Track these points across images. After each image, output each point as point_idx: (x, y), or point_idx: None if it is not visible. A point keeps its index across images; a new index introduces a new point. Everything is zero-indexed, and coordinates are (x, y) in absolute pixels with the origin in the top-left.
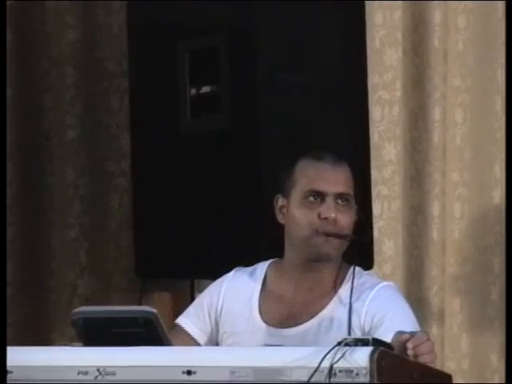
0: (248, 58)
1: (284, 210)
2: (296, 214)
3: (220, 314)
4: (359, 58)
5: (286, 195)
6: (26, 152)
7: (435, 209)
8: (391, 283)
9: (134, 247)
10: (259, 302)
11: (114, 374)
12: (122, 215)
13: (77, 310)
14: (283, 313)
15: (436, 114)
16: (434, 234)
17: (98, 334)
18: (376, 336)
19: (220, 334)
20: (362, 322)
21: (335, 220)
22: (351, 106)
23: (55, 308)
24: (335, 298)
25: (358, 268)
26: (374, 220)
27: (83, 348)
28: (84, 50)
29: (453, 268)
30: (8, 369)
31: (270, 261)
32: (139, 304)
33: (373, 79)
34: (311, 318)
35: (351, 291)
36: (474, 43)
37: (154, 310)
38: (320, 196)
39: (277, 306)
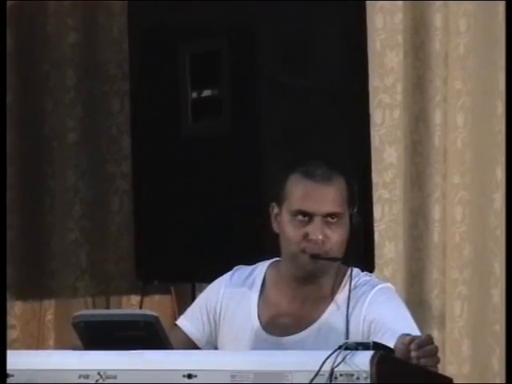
0: (249, 61)
1: (278, 219)
2: (286, 230)
3: (219, 317)
4: (360, 62)
5: (279, 205)
6: (27, 154)
7: (436, 212)
8: (387, 284)
9: (134, 250)
10: (258, 308)
11: (114, 377)
12: (122, 218)
13: (78, 313)
14: (282, 321)
15: (437, 117)
16: (435, 237)
17: (98, 337)
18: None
19: (220, 337)
20: (360, 329)
21: (323, 241)
22: (352, 110)
23: (55, 311)
24: (332, 305)
25: (355, 270)
26: (375, 223)
27: (84, 351)
28: (84, 53)
29: (453, 271)
30: (9, 372)
31: (270, 261)
32: (140, 307)
33: (374, 82)
34: (309, 325)
35: (348, 299)
36: (475, 46)
37: (155, 314)
38: (308, 216)
39: (275, 313)
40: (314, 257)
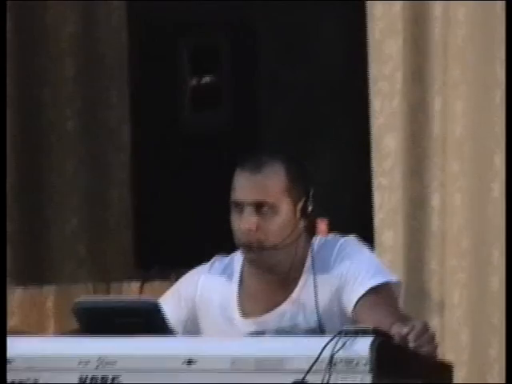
0: (248, 50)
1: None
2: (231, 222)
3: (199, 305)
4: (359, 50)
5: None
6: (25, 146)
7: (435, 200)
8: (350, 237)
9: (134, 238)
10: (238, 296)
11: (114, 363)
12: (121, 207)
13: (78, 299)
14: (260, 305)
15: (436, 105)
16: (434, 226)
17: (99, 323)
18: (348, 290)
19: (200, 324)
20: (334, 287)
21: (253, 230)
22: (351, 98)
23: (55, 297)
24: (303, 277)
25: (318, 237)
26: (374, 212)
27: (84, 338)
28: (83, 44)
29: (452, 260)
30: (9, 358)
31: None
32: (140, 293)
33: (373, 71)
34: (283, 302)
35: (313, 270)
36: (474, 36)
37: (155, 301)
38: (240, 206)
39: (253, 300)
40: (244, 246)
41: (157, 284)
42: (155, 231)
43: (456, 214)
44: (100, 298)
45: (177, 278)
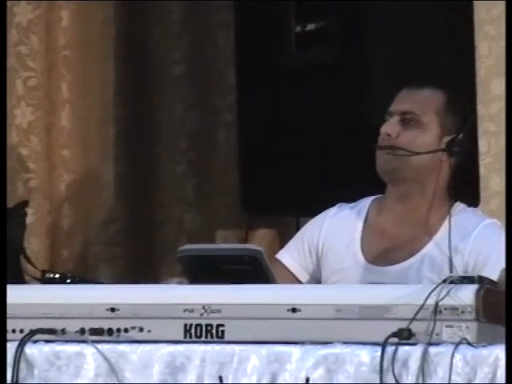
0: None
1: None
2: None
3: (322, 250)
4: None
5: None
6: (134, 87)
7: None
8: (495, 221)
9: (240, 184)
10: (361, 239)
11: (219, 311)
12: (228, 151)
13: (183, 247)
14: (384, 249)
15: None
16: None
17: (203, 271)
18: (482, 273)
19: (323, 271)
20: (465, 261)
21: (389, 135)
22: (457, 41)
23: (162, 243)
24: (437, 236)
25: (461, 205)
26: (481, 157)
27: (189, 285)
28: None
29: None
30: (115, 306)
31: (374, 197)
32: (245, 241)
33: (480, 15)
34: (412, 255)
35: (449, 229)
36: None
37: (259, 249)
38: (391, 116)
39: (378, 242)
40: (379, 149)
41: (262, 232)
42: (261, 175)
43: None
44: (204, 246)
45: (281, 226)
